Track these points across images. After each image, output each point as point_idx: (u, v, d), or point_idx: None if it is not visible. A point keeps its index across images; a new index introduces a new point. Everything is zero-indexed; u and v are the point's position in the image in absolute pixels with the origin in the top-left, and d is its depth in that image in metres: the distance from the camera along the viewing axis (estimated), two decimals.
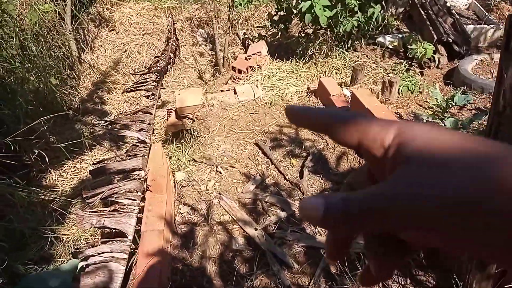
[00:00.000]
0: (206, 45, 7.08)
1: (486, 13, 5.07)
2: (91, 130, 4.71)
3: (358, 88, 4.22)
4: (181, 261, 2.46)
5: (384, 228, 0.29)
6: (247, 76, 4.70)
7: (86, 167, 4.33)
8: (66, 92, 5.12)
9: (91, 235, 3.37)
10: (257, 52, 4.90)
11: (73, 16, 5.50)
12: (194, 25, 7.31)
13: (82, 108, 5.08)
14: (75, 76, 5.51)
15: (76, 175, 4.27)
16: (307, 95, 4.13)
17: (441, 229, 0.27)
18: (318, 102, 3.92)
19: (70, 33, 5.36)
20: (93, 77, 5.78)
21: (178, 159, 3.64)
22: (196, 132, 3.76)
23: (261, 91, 4.20)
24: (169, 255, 2.43)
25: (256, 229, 2.57)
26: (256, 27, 6.79)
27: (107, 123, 3.08)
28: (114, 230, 2.61)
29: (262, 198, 2.80)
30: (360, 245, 2.44)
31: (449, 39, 4.41)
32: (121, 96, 5.51)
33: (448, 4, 5.19)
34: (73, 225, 3.58)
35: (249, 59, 4.88)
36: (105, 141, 4.35)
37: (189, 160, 3.42)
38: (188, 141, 3.72)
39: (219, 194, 2.88)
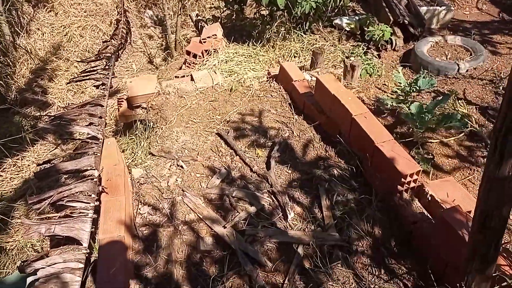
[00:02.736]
0: (155, 27, 6.68)
1: None
2: (32, 123, 4.28)
3: (318, 72, 4.13)
4: (145, 267, 2.26)
5: None
6: (202, 60, 4.46)
7: (28, 165, 3.93)
8: (1, 82, 4.59)
9: (39, 242, 3.05)
10: (212, 35, 4.65)
11: None
12: (141, 5, 6.86)
13: (21, 98, 4.60)
14: (10, 63, 4.95)
15: (17, 174, 3.86)
16: (267, 80, 3.98)
17: None
18: (280, 88, 3.79)
19: (1, 15, 4.78)
20: (30, 64, 5.24)
21: (133, 152, 3.37)
22: (151, 123, 3.50)
23: (220, 77, 3.99)
24: (131, 262, 2.22)
25: (224, 227, 2.42)
26: (209, 8, 6.49)
27: (52, 118, 2.75)
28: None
29: (229, 193, 2.64)
30: (335, 237, 2.37)
31: (405, 21, 4.42)
32: (64, 85, 5.06)
33: None
34: (18, 231, 3.23)
35: (204, 42, 4.63)
36: (49, 135, 3.96)
37: (146, 154, 3.17)
38: (143, 133, 3.45)
39: (182, 190, 2.68)
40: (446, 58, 4.13)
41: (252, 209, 2.53)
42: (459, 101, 3.38)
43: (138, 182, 2.80)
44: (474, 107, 3.39)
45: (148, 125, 3.48)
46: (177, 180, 2.78)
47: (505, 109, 1.27)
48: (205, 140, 3.19)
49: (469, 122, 3.11)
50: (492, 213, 1.47)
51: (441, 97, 2.96)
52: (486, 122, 3.23)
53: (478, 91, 3.58)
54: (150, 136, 3.35)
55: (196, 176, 2.82)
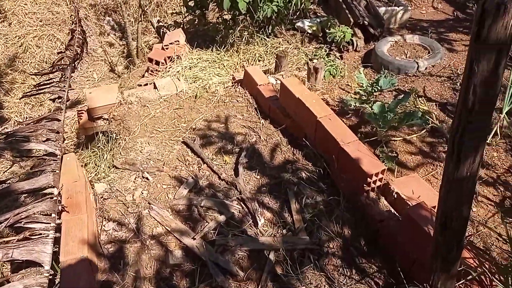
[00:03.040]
0: (115, 34, 6.51)
1: None
2: None
3: (283, 75, 4.14)
4: (112, 287, 2.18)
5: None
6: (165, 67, 4.37)
7: None
8: None
9: None
10: (175, 41, 4.58)
11: None
12: (100, 12, 6.67)
13: None
14: None
15: None
16: (232, 85, 3.95)
17: None
18: (245, 93, 3.77)
19: None
20: None
21: (96, 165, 3.26)
22: (114, 135, 3.39)
23: (184, 84, 3.93)
24: (97, 283, 2.13)
25: (194, 239, 2.37)
26: (171, 13, 6.39)
27: (5, 136, 2.61)
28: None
29: (197, 202, 2.59)
30: (305, 241, 2.37)
31: (365, 21, 4.51)
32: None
33: None
34: None
35: (167, 48, 4.54)
36: (4, 152, 3.77)
37: (109, 167, 3.07)
38: (106, 145, 3.34)
39: (149, 203, 2.61)
40: (406, 57, 4.24)
41: (222, 218, 2.49)
42: (420, 98, 3.47)
43: (102, 197, 2.70)
44: (434, 103, 3.49)
45: (110, 136, 3.37)
46: (142, 193, 2.70)
47: (460, 110, 1.30)
48: (170, 149, 3.12)
49: (430, 118, 3.19)
50: (451, 214, 1.50)
51: (402, 96, 3.03)
52: (446, 118, 3.34)
53: (437, 88, 3.70)
54: (113, 148, 3.25)
55: (162, 188, 2.75)
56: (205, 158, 2.99)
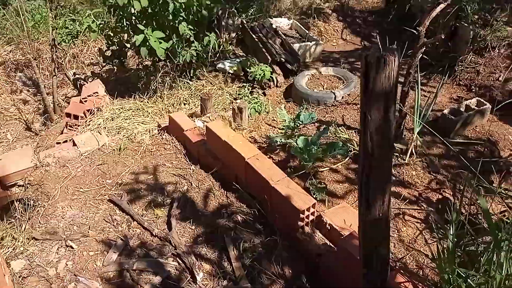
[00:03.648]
0: (29, 91, 6.14)
1: (307, 31, 5.64)
2: None
3: (209, 117, 4.15)
4: None
5: None
6: (85, 121, 4.18)
7: None
8: None
9: None
10: (93, 93, 4.41)
11: None
12: (11, 69, 6.28)
13: None
14: None
15: None
16: (159, 133, 3.87)
17: None
18: (173, 139, 3.70)
19: None
20: None
21: (14, 238, 2.94)
22: (32, 201, 3.11)
23: (106, 137, 3.77)
24: None
25: None
26: (87, 64, 6.19)
27: None
28: None
29: (129, 266, 2.42)
30: None
31: (282, 58, 4.72)
32: None
33: (274, 26, 5.59)
34: None
35: (85, 101, 4.36)
36: None
37: (28, 239, 2.79)
38: (23, 214, 3.05)
39: (75, 275, 2.39)
40: (323, 88, 4.48)
41: (157, 279, 2.35)
42: (340, 127, 3.66)
43: (20, 276, 2.42)
44: (353, 131, 3.69)
45: (28, 204, 3.09)
46: (67, 264, 2.47)
47: (362, 156, 1.37)
48: (96, 210, 2.92)
49: (351, 146, 3.36)
50: (372, 255, 1.56)
51: (323, 128, 3.17)
52: None
53: (354, 115, 3.93)
54: (31, 217, 2.97)
55: (89, 255, 2.54)
56: (135, 215, 2.84)
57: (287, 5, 6.66)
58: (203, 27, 4.79)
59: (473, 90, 4.24)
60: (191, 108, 4.54)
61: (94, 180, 3.24)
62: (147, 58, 4.56)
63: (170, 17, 4.02)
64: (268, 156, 3.46)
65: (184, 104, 4.63)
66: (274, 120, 4.21)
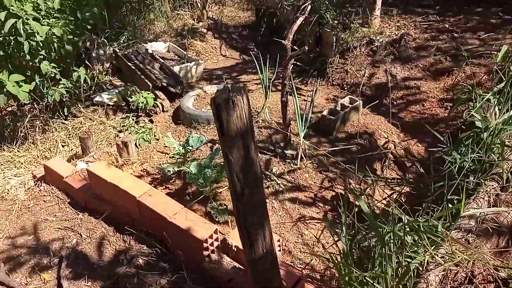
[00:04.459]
0: None
1: (185, 52, 5.58)
2: None
3: (93, 156, 3.83)
4: None
5: None
6: None
7: None
8: None
9: None
10: None
11: None
12: None
13: None
14: None
15: None
16: (36, 184, 3.43)
17: None
18: (53, 189, 3.31)
19: None
20: None
21: None
22: None
23: None
24: None
25: None
26: None
27: None
28: None
29: None
30: None
31: (163, 83, 4.58)
32: None
33: (150, 51, 5.43)
34: None
35: None
36: None
37: None
38: None
39: None
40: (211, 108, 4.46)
41: None
42: None
43: None
44: None
45: None
46: None
47: (235, 198, 1.35)
48: None
49: None
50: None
51: (214, 149, 3.12)
52: (260, 155, 3.58)
53: None
54: None
55: None
56: (17, 286, 2.44)
57: (162, 27, 6.55)
58: (71, 62, 4.43)
59: (345, 88, 4.62)
60: (72, 150, 4.15)
61: None
62: (7, 104, 4.05)
63: (28, 57, 3.61)
64: (164, 187, 3.30)
65: (63, 146, 4.21)
66: (166, 146, 4.05)
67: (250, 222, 1.36)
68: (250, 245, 1.41)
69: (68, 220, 3.00)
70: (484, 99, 2.49)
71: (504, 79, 2.56)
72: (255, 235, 1.38)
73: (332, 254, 1.89)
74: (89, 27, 4.41)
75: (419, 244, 1.83)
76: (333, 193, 3.19)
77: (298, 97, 4.62)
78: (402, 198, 3.18)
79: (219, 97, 1.15)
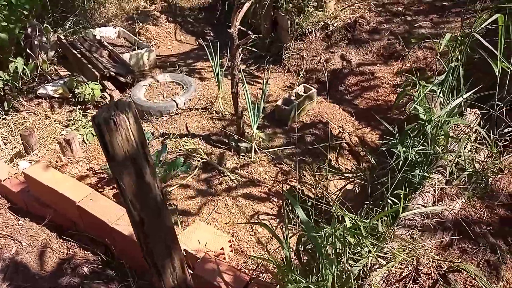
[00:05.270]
0: None
1: (136, 38, 5.31)
2: None
3: (37, 154, 3.61)
4: None
5: None
6: None
7: None
8: None
9: None
10: None
11: None
12: None
13: None
14: None
15: None
16: None
17: None
18: None
19: None
20: None
21: None
22: None
23: None
24: None
25: None
26: None
27: None
28: None
29: None
30: None
31: (111, 72, 4.34)
32: None
33: (98, 37, 5.13)
34: None
35: None
36: None
37: None
38: None
39: None
40: (164, 97, 4.27)
41: None
42: (183, 138, 3.53)
43: None
44: (198, 138, 3.60)
45: None
46: None
47: (135, 229, 1.25)
48: None
49: (198, 155, 3.27)
50: None
51: (161, 147, 2.99)
52: (213, 148, 3.48)
53: (198, 121, 3.83)
54: None
55: None
56: None
57: (114, 10, 6.18)
58: (9, 52, 4.11)
59: (302, 75, 4.55)
60: (15, 147, 3.89)
61: None
62: None
63: None
64: (111, 187, 3.15)
65: (5, 144, 3.94)
66: None
67: (156, 252, 1.27)
68: (159, 275, 1.33)
69: (7, 227, 2.81)
70: (427, 90, 2.48)
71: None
72: (163, 267, 1.29)
73: (276, 260, 1.85)
74: (25, 12, 4.08)
75: (363, 245, 1.82)
76: (288, 187, 3.15)
77: (254, 85, 4.56)
78: (357, 190, 3.20)
79: (99, 116, 1.01)
